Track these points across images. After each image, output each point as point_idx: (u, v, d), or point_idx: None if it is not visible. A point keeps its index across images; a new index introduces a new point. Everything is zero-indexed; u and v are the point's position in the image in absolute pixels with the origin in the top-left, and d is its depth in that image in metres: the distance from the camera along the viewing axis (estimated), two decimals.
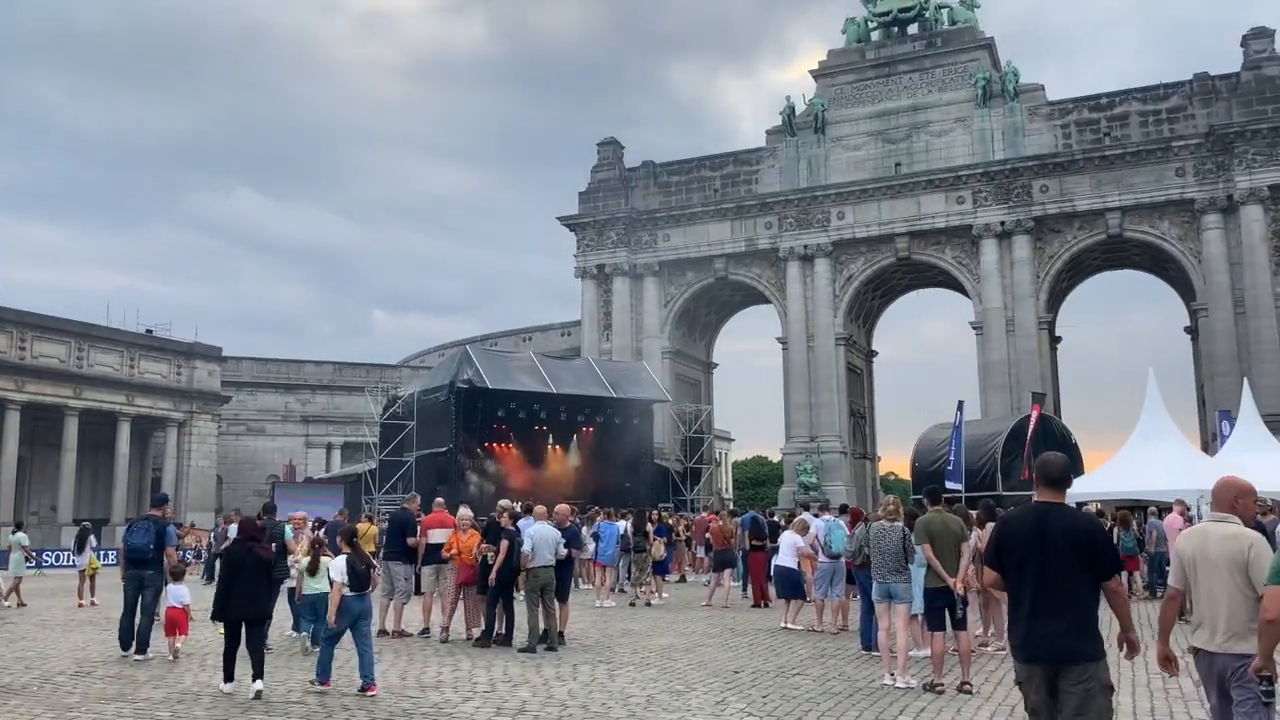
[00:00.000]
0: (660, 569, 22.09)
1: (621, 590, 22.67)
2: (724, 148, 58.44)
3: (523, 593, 15.05)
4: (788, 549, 18.02)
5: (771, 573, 18.84)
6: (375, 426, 45.60)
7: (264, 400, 57.55)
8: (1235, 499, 6.68)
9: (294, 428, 57.82)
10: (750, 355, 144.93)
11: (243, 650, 11.47)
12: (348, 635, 11.83)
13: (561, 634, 15.30)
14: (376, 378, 54.10)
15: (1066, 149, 49.95)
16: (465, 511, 15.89)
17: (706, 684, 12.11)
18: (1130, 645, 6.32)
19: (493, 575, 15.03)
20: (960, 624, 11.81)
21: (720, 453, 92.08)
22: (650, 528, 21.79)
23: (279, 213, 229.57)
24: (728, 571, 21.39)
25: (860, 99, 54.14)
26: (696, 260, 56.22)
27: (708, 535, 23.55)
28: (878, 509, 14.76)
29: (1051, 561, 6.07)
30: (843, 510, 19.62)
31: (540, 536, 14.72)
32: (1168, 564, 25.74)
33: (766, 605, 20.64)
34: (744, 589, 22.41)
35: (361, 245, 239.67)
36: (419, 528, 16.46)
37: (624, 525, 21.89)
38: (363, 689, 11.34)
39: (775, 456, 72.63)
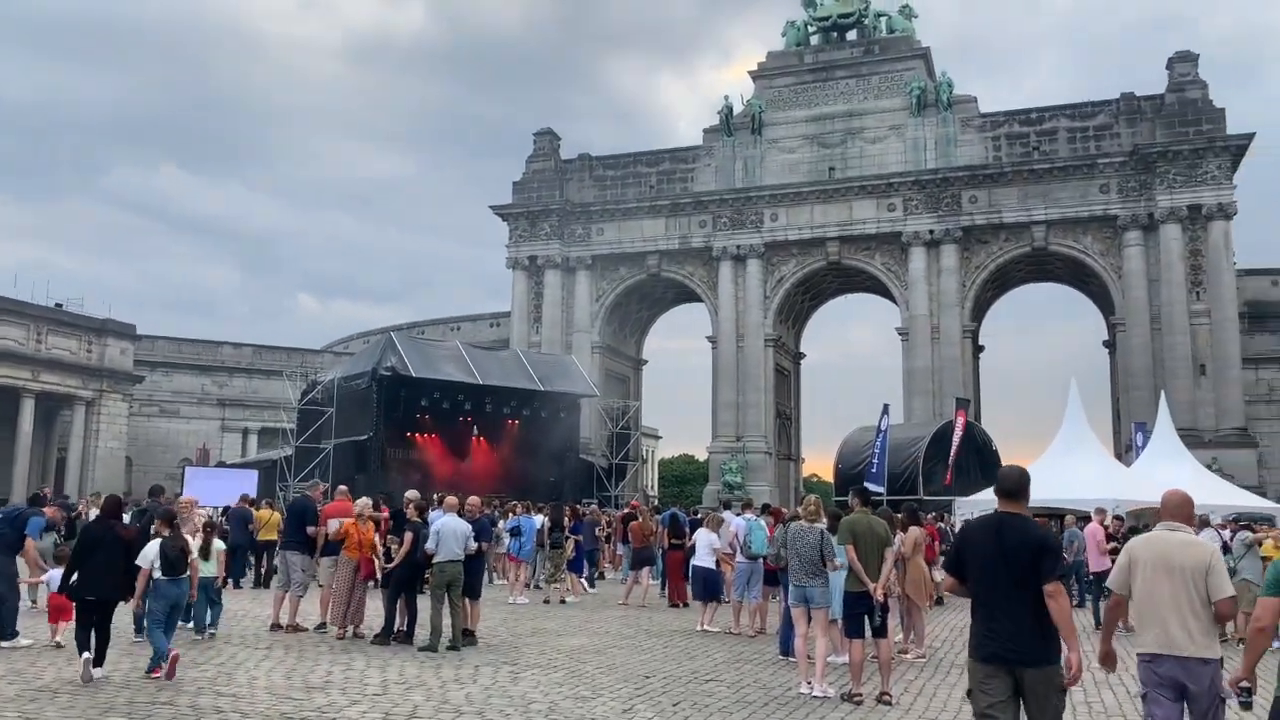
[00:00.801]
0: (575, 566, 21.24)
1: (536, 587, 21.79)
2: (661, 145, 57.80)
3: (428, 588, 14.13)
4: (704, 548, 17.32)
5: (689, 573, 18.12)
6: (293, 412, 44.01)
7: (179, 381, 55.34)
8: (1183, 510, 6.93)
9: (210, 410, 55.71)
10: (680, 354, 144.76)
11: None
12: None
13: (471, 633, 14.41)
14: (298, 362, 52.32)
15: (996, 161, 50.23)
16: (366, 501, 14.90)
17: (615, 689, 11.33)
18: (1071, 666, 6.21)
19: (383, 564, 14.11)
20: (881, 631, 11.19)
21: (647, 450, 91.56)
22: (568, 523, 20.94)
23: (206, 191, 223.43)
24: (646, 570, 20.64)
25: (797, 102, 53.87)
26: (630, 256, 55.47)
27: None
28: (798, 508, 14.12)
29: (1009, 568, 6.26)
30: (764, 510, 19.01)
31: (447, 530, 13.80)
32: (1087, 574, 25.65)
33: (684, 605, 19.95)
34: (662, 588, 21.69)
35: (290, 228, 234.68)
36: (319, 516, 15.41)
37: (541, 519, 21.01)
38: (149, 671, 11.06)
39: (702, 455, 72.31)
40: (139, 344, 51.09)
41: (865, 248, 52.17)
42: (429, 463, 42.89)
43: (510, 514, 22.15)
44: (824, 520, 11.64)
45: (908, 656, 13.93)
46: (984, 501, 30.83)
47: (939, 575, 17.83)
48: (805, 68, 54.19)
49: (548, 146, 57.34)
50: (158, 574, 11.27)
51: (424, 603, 14.28)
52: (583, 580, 22.55)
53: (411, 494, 15.22)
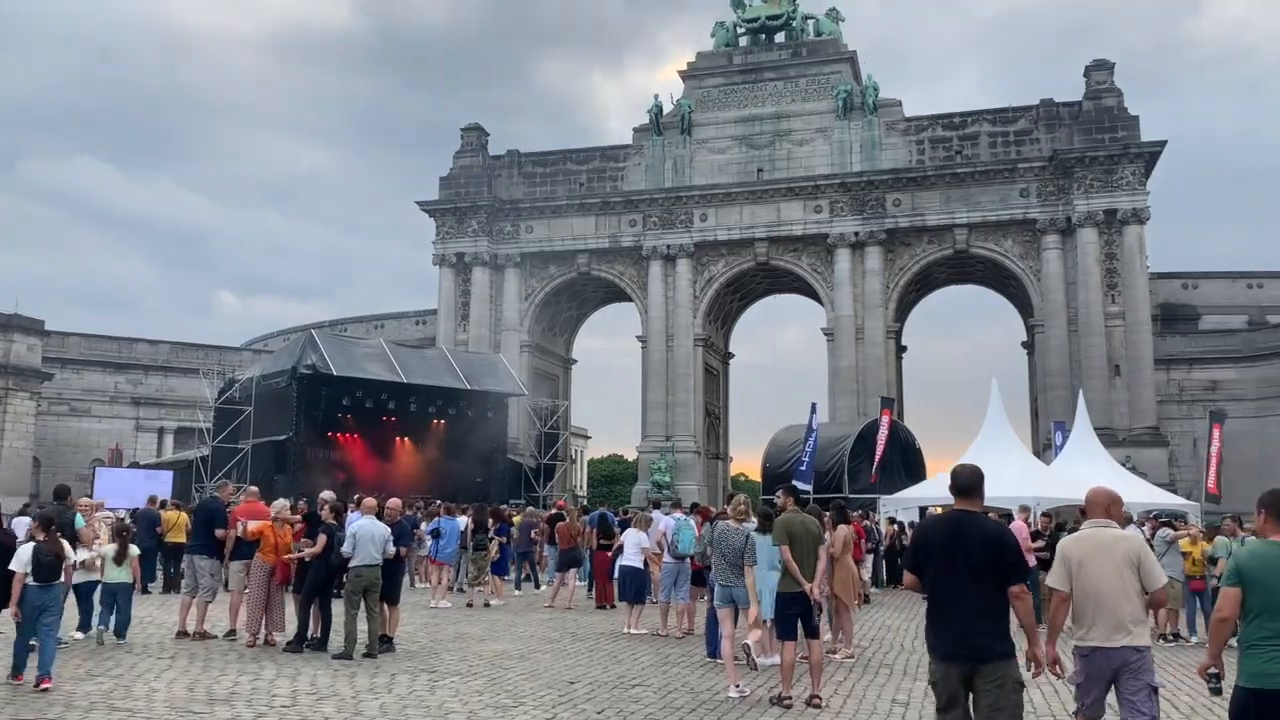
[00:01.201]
0: (499, 569, 20.67)
1: (460, 590, 21.17)
2: (591, 144, 56.98)
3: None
4: (632, 548, 16.91)
5: (615, 573, 17.69)
6: (210, 411, 42.57)
7: (91, 379, 53.14)
8: (1109, 506, 7.14)
9: (124, 409, 53.59)
10: (610, 354, 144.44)
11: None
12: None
13: (389, 639, 13.79)
14: (216, 360, 50.60)
15: (920, 165, 50.74)
16: (282, 502, 14.20)
17: (537, 696, 10.86)
18: (1035, 661, 6.60)
19: (289, 562, 13.44)
20: (813, 632, 10.90)
21: (576, 450, 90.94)
22: (491, 524, 20.35)
23: (124, 185, 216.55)
24: (572, 571, 20.16)
25: (726, 103, 53.82)
26: (559, 254, 54.86)
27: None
28: (726, 507, 13.79)
29: (967, 566, 6.33)
30: (693, 509, 18.67)
31: (365, 533, 13.18)
32: None
33: (611, 607, 19.53)
34: (589, 589, 21.23)
35: (211, 223, 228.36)
36: (228, 518, 14.65)
37: (464, 521, 20.38)
38: (38, 682, 10.46)
39: (631, 455, 71.91)
40: (48, 340, 48.94)
41: (793, 249, 52.32)
42: (351, 463, 41.88)
43: (433, 516, 21.46)
44: (753, 520, 11.31)
45: (836, 657, 13.69)
46: (908, 499, 30.99)
47: (866, 574, 17.70)
48: (734, 69, 54.17)
49: (475, 142, 56.43)
50: (29, 580, 10.69)
51: (340, 608, 13.65)
52: (509, 580, 22.01)
53: (326, 494, 14.54)
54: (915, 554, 6.87)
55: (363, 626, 13.27)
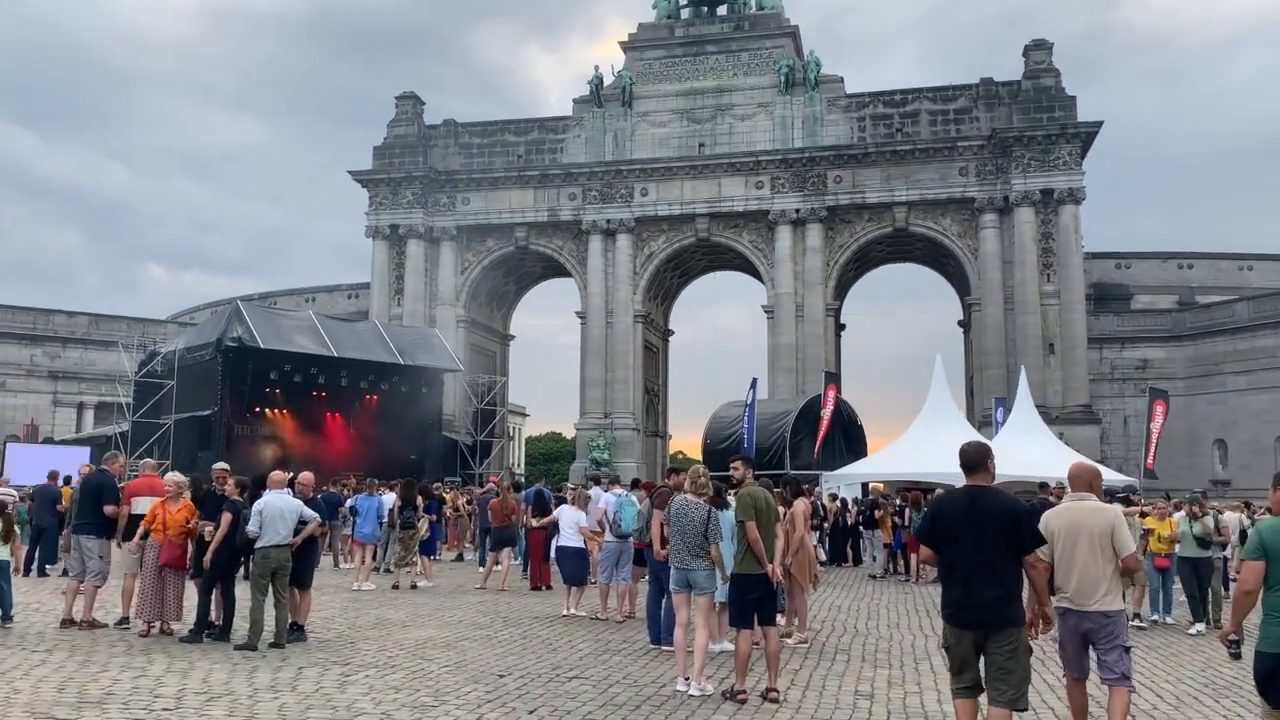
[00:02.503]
0: (428, 548, 19.21)
1: (387, 570, 19.67)
2: (530, 119, 55.09)
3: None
4: (570, 527, 15.59)
5: (553, 553, 16.36)
6: (130, 385, 40.27)
7: (6, 352, 50.02)
8: (1091, 481, 7.69)
9: (40, 384, 50.67)
10: (549, 331, 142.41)
11: None
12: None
13: (299, 627, 12.32)
14: (139, 332, 48.09)
15: (860, 142, 49.93)
16: (174, 476, 12.61)
17: (462, 693, 9.51)
18: (1044, 619, 7.07)
19: (208, 556, 11.90)
20: (769, 619, 9.70)
21: (514, 427, 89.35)
22: (420, 501, 18.87)
23: (45, 152, 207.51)
24: (506, 551, 18.77)
25: (668, 76, 52.40)
26: (497, 227, 53.09)
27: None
28: (671, 478, 12.52)
29: (982, 538, 6.65)
30: (634, 485, 17.41)
31: (272, 509, 11.67)
32: None
33: (548, 588, 18.21)
34: (524, 569, 19.88)
35: (139, 194, 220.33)
36: (120, 494, 13.02)
37: (390, 498, 18.88)
38: None
39: (570, 433, 70.52)
40: None
41: (734, 225, 51.25)
42: (280, 440, 39.94)
43: (369, 491, 19.89)
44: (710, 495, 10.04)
45: (789, 642, 12.52)
46: (850, 475, 30.12)
47: (822, 554, 16.58)
48: (676, 41, 52.74)
49: (411, 111, 54.26)
50: None
51: (245, 593, 12.14)
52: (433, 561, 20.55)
53: (221, 466, 12.97)
54: (932, 528, 7.06)
55: (271, 613, 11.78)
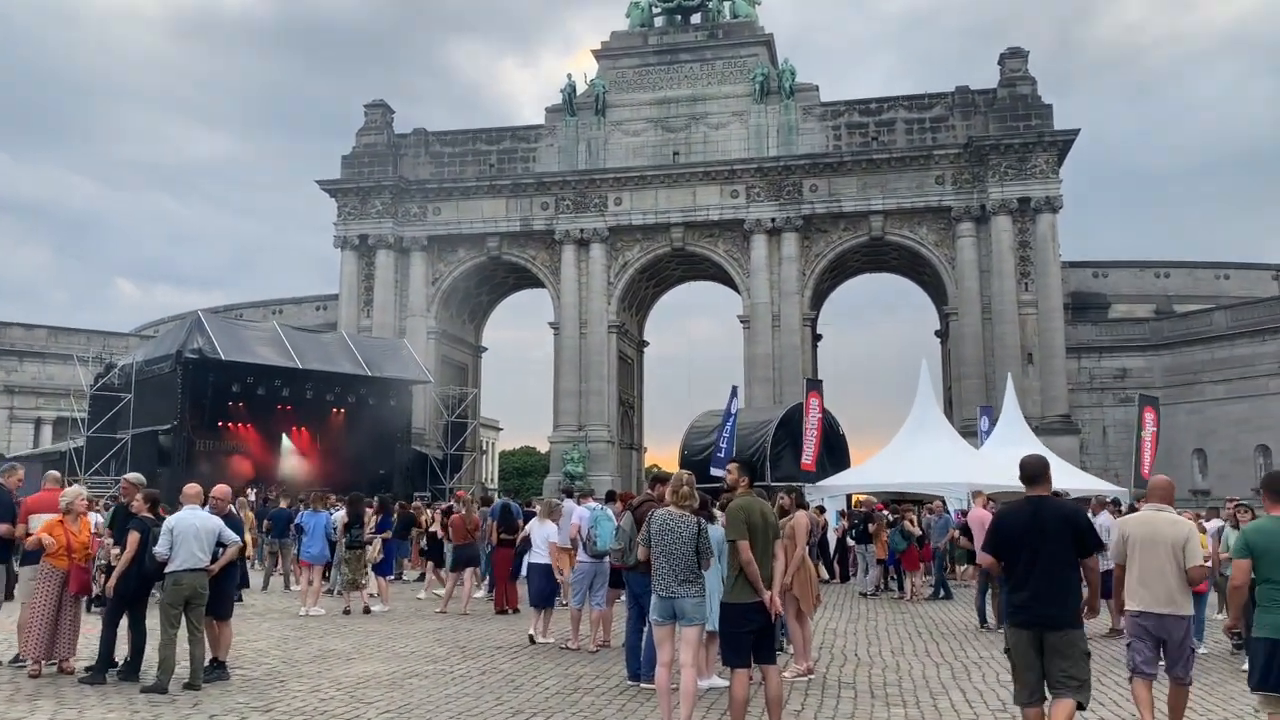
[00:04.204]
0: (383, 569, 17.33)
1: (339, 593, 17.76)
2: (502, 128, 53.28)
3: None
4: (540, 543, 13.80)
5: (524, 572, 14.51)
6: (84, 399, 38.10)
7: None
8: (1167, 493, 8.15)
9: None
10: (523, 345, 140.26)
11: None
12: None
13: (221, 664, 10.45)
14: (100, 345, 45.81)
15: (836, 150, 48.60)
16: (76, 489, 10.72)
17: None
18: (1091, 609, 7.25)
19: (112, 580, 10.04)
20: (768, 656, 7.95)
21: (487, 441, 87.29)
22: (371, 518, 17.00)
23: (10, 167, 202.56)
24: (469, 571, 16.90)
25: (641, 84, 50.88)
26: (469, 237, 51.21)
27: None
28: (655, 489, 10.77)
29: (1045, 544, 6.96)
30: (610, 498, 15.64)
31: (186, 527, 9.82)
32: (955, 561, 23.30)
33: (514, 611, 16.38)
34: (489, 591, 18.04)
35: (105, 209, 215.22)
36: (15, 511, 11.12)
37: (338, 515, 16.99)
38: None
39: (544, 447, 68.54)
40: None
41: (709, 234, 49.72)
42: (243, 455, 37.92)
43: (314, 508, 17.97)
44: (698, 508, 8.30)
45: (786, 675, 10.77)
46: (835, 487, 28.43)
47: (822, 571, 14.82)
48: (650, 49, 51.24)
49: (380, 120, 52.36)
50: None
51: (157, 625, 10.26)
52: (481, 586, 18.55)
53: (133, 477, 11.10)
54: (996, 537, 7.28)
55: (186, 649, 9.92)
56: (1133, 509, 18.99)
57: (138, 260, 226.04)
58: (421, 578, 23.25)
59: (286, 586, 20.00)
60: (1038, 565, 6.87)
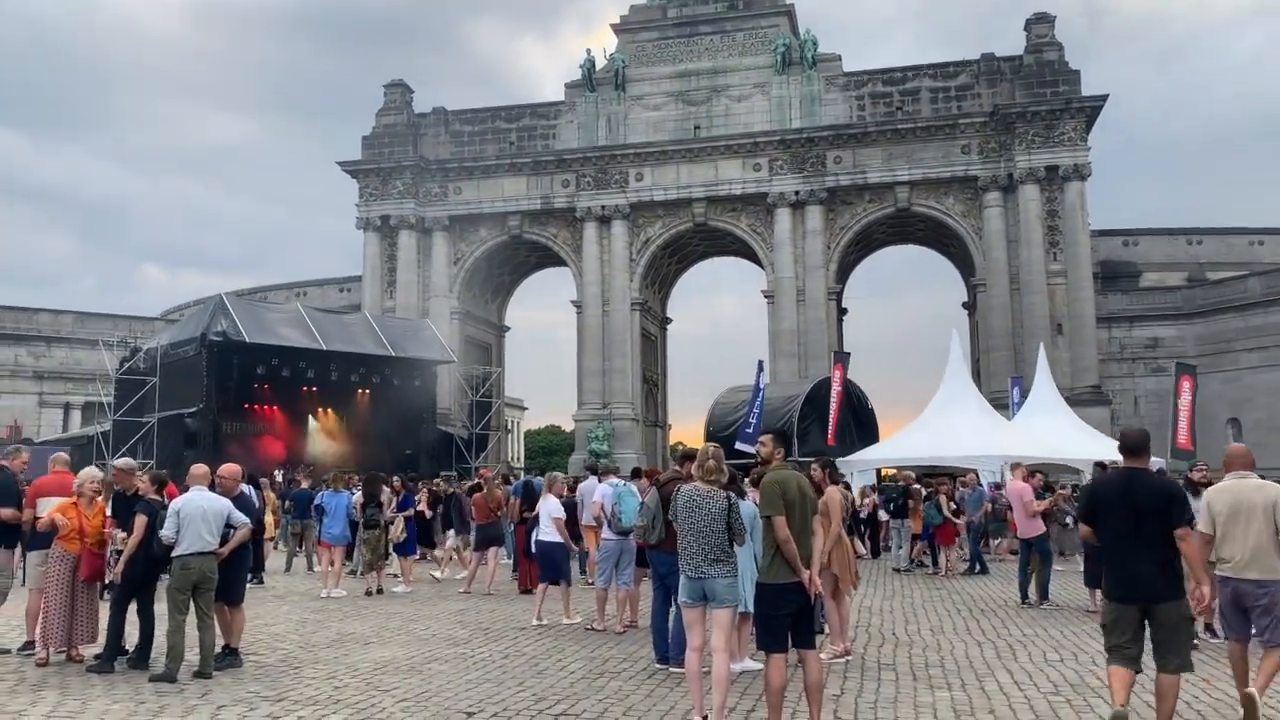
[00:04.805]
0: (406, 548, 16.85)
1: (361, 575, 17.31)
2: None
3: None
4: (546, 518, 13.25)
5: (533, 548, 13.97)
6: (110, 383, 37.99)
7: None
8: (1249, 460, 8.19)
9: (25, 384, 48.18)
10: (548, 325, 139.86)
11: None
12: None
13: (234, 650, 9.97)
14: (126, 329, 45.68)
15: (860, 121, 47.55)
16: (89, 472, 10.23)
17: None
18: (1195, 581, 7.00)
19: (119, 566, 9.58)
20: (807, 639, 7.35)
21: (512, 420, 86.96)
22: (391, 498, 16.50)
23: (35, 154, 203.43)
24: (493, 551, 16.41)
25: (661, 58, 49.95)
26: (490, 216, 50.63)
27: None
28: (684, 466, 10.20)
29: (1139, 517, 6.92)
30: (635, 475, 15.07)
31: (193, 509, 9.33)
32: (992, 535, 22.58)
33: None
34: (514, 570, 17.55)
35: (130, 195, 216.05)
36: (21, 495, 10.68)
37: (355, 495, 16.52)
38: None
39: (569, 426, 68.14)
40: None
41: (731, 209, 48.87)
42: (273, 436, 37.73)
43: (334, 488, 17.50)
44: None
45: (822, 656, 10.18)
46: (864, 461, 27.77)
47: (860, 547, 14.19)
48: (669, 22, 50.24)
49: (400, 99, 51.75)
50: None
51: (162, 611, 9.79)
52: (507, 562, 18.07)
53: (125, 462, 10.59)
54: (1091, 508, 7.41)
55: (195, 636, 9.45)
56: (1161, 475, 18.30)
57: (164, 245, 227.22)
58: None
59: (310, 568, 19.61)
60: (1133, 538, 6.89)
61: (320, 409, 39.35)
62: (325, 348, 37.15)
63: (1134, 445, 7.28)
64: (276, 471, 31.21)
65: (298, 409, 38.45)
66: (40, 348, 49.41)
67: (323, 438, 38.71)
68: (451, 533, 19.35)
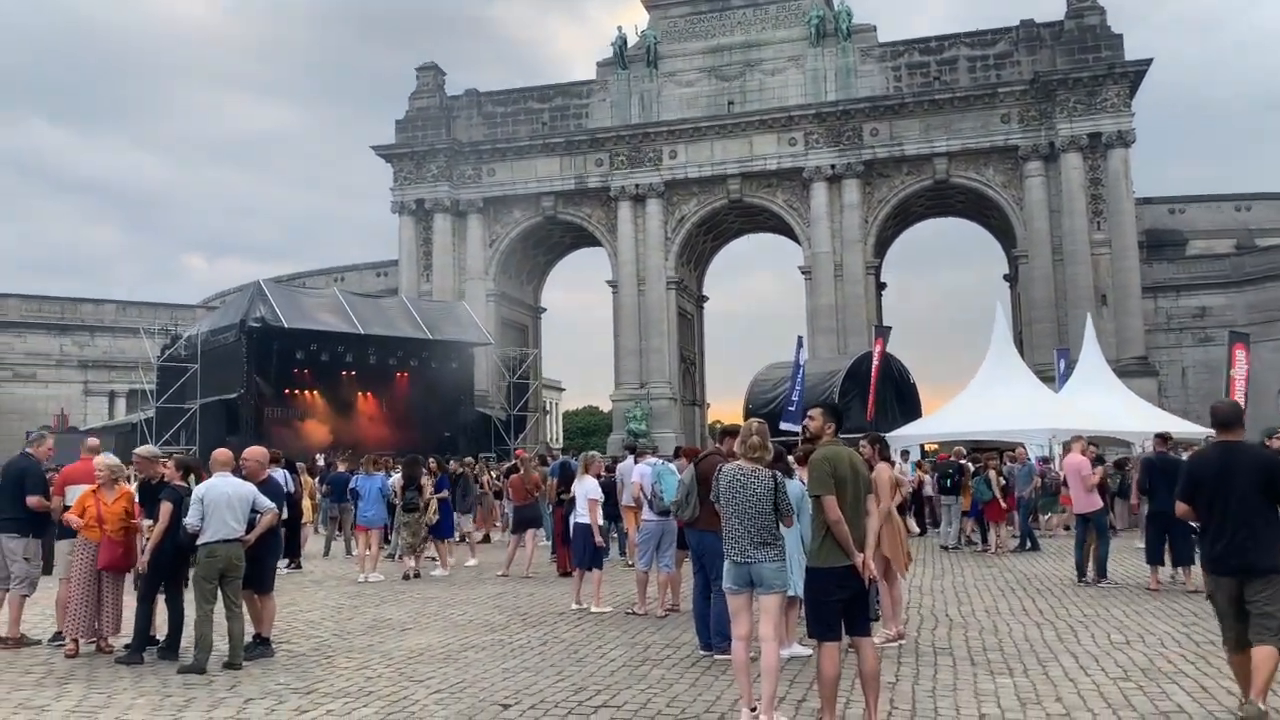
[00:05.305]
0: (443, 531, 16.48)
1: (402, 557, 17.01)
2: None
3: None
4: (582, 499, 12.77)
5: (571, 532, 13.53)
6: (152, 370, 38.17)
7: (34, 343, 48.15)
8: None
9: (71, 374, 48.69)
10: (584, 306, 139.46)
11: None
12: None
13: (265, 640, 9.62)
14: (168, 318, 45.94)
15: (897, 92, 46.43)
16: (105, 460, 9.90)
17: None
18: None
19: (146, 554, 9.26)
20: (861, 626, 6.81)
21: (550, 402, 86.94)
22: (428, 479, 16.15)
23: (79, 147, 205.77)
24: (531, 533, 16.01)
25: (694, 33, 49.10)
26: (524, 197, 50.19)
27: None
28: (725, 442, 9.68)
29: (1236, 490, 6.77)
30: (677, 453, 14.55)
31: (216, 495, 8.95)
32: (1042, 510, 21.90)
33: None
34: (553, 552, 17.16)
35: (171, 184, 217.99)
36: (49, 482, 10.39)
37: (393, 478, 16.18)
38: None
39: (607, 406, 67.84)
40: None
41: (767, 184, 48.03)
42: (311, 420, 37.73)
43: (366, 471, 17.19)
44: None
45: (875, 641, 9.64)
46: (906, 437, 27.02)
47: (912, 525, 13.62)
48: None
49: (432, 82, 51.37)
50: None
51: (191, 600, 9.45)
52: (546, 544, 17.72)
53: (147, 449, 10.21)
54: (1189, 484, 7.13)
55: (224, 625, 9.11)
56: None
57: (205, 234, 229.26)
58: (486, 538, 22.59)
59: (348, 552, 19.36)
60: (1232, 511, 6.76)
61: (360, 393, 39.34)
62: (362, 332, 37.11)
63: (1226, 419, 7.19)
64: (318, 455, 31.15)
65: (338, 393, 38.44)
66: (84, 337, 49.85)
67: (367, 421, 38.71)
68: (469, 518, 19.02)
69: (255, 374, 35.50)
